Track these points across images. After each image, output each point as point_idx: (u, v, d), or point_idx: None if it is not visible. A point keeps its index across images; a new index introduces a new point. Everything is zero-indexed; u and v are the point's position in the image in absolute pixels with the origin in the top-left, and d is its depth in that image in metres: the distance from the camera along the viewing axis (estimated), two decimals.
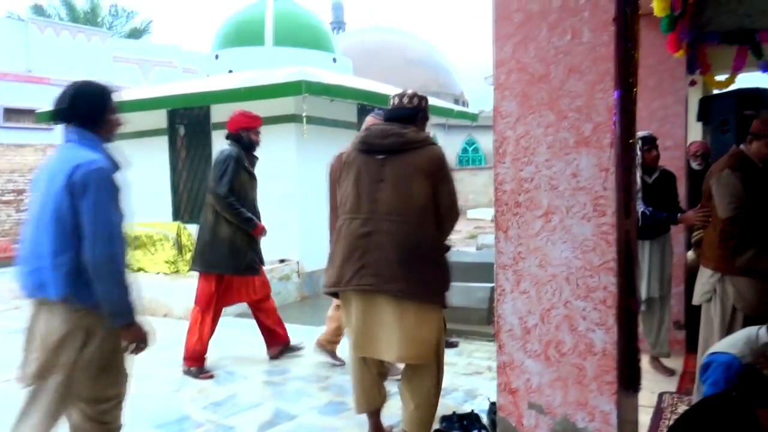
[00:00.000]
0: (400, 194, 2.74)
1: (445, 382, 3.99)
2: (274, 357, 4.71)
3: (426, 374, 2.89)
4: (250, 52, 9.40)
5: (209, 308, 4.41)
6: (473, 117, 11.29)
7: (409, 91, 3.05)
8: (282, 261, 7.42)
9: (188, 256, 7.05)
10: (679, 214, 3.97)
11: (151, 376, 4.26)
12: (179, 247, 7.02)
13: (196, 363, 4.38)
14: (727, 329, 3.40)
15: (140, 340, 2.39)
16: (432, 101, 10.87)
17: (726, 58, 4.75)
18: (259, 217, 4.55)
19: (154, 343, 2.48)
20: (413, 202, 2.74)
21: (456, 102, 21.85)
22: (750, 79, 5.75)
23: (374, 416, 3.14)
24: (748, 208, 3.29)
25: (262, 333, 4.76)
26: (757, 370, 1.99)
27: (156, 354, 4.79)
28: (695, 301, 3.55)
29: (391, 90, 9.30)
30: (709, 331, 3.40)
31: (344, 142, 9.00)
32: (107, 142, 2.45)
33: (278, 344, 4.76)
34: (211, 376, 4.33)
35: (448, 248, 2.94)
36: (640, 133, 3.96)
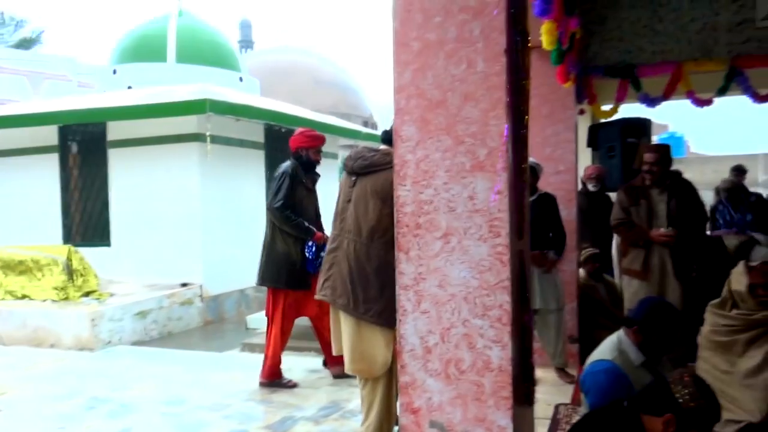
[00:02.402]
0: (357, 214, 2.95)
1: (352, 405, 3.99)
2: (337, 376, 4.54)
3: (377, 389, 2.97)
4: (151, 68, 9.07)
5: (274, 322, 4.46)
6: None
7: None
8: (184, 285, 7.13)
9: (80, 281, 6.61)
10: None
11: (35, 413, 3.93)
12: (69, 272, 6.55)
13: (271, 377, 4.45)
14: None
15: None
16: (340, 123, 10.93)
17: (610, 90, 5.13)
18: (321, 230, 4.58)
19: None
20: (366, 223, 2.91)
21: (365, 124, 22.11)
22: (632, 110, 6.26)
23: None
24: (624, 219, 4.17)
25: (323, 348, 4.60)
26: (666, 382, 2.05)
27: (40, 388, 4.47)
28: None
29: (299, 111, 9.30)
30: None
31: (251, 162, 8.92)
32: None
33: (340, 362, 4.59)
34: (295, 385, 4.43)
35: None
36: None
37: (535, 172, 4.22)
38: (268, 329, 4.53)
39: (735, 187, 5.30)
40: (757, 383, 3.04)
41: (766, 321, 3.07)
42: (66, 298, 6.38)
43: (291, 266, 4.39)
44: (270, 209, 4.43)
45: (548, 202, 4.31)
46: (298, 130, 4.74)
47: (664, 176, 4.11)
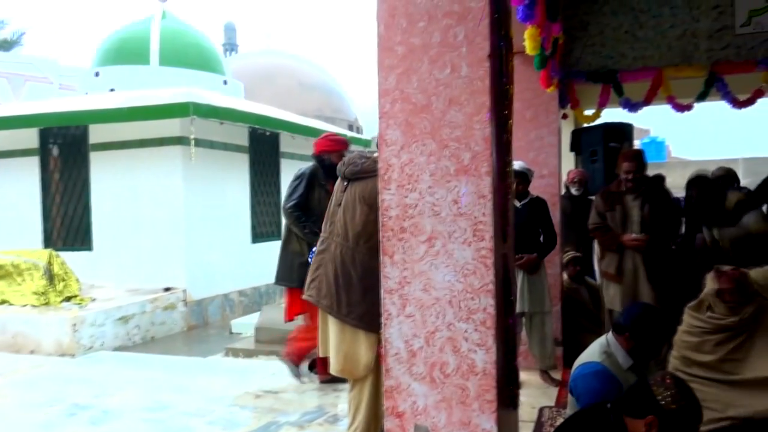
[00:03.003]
0: (346, 219, 3.01)
1: (337, 409, 3.98)
2: (324, 381, 4.53)
3: (364, 391, 2.99)
4: (134, 70, 8.99)
5: (310, 318, 4.43)
6: (366, 143, 11.48)
7: None
8: (167, 289, 7.07)
9: (61, 285, 6.52)
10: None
11: (15, 420, 3.88)
12: (50, 277, 6.46)
13: (293, 358, 4.50)
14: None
15: None
16: (325, 126, 10.93)
17: (592, 95, 5.19)
18: None
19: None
20: (353, 228, 2.98)
21: (350, 128, 22.05)
22: (614, 114, 6.34)
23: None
24: (599, 224, 4.30)
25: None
26: (648, 384, 2.07)
27: (20, 395, 4.40)
28: None
29: (284, 114, 9.27)
30: None
31: (235, 165, 8.90)
32: None
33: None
34: (299, 376, 4.50)
35: None
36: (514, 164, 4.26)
37: (526, 176, 4.26)
38: (301, 328, 4.56)
39: (728, 175, 5.35)
40: (725, 379, 3.09)
41: (734, 326, 3.12)
42: (47, 303, 6.29)
43: (304, 266, 4.37)
44: (283, 209, 4.53)
45: (539, 206, 4.34)
46: (323, 134, 4.86)
47: (640, 182, 4.18)
